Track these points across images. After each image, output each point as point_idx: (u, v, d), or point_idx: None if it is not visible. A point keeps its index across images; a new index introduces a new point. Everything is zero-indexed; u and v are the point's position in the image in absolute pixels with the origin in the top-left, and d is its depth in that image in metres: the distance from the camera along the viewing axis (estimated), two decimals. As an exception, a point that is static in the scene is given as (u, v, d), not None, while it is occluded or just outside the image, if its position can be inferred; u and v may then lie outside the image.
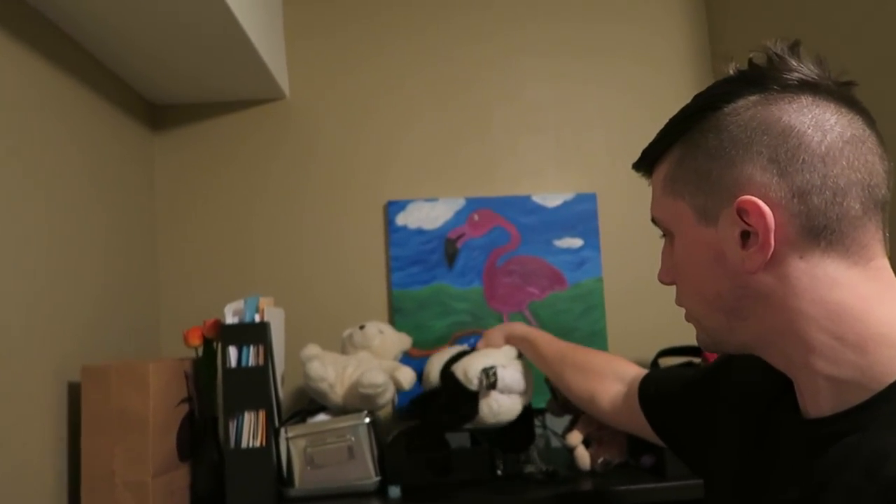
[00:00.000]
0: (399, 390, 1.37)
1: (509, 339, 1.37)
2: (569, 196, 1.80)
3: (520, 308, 1.78)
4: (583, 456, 1.36)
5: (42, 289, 1.18)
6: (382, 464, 1.33)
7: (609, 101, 1.85)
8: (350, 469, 1.31)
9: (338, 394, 1.36)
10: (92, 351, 1.32)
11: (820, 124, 0.60)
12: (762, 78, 0.63)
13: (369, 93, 1.82)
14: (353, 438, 1.31)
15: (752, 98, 0.63)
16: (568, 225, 1.79)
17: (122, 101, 1.57)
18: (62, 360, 1.22)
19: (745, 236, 0.61)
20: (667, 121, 0.71)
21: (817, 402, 0.62)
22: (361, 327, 1.46)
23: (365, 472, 1.31)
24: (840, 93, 0.62)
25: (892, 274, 0.61)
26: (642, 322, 1.76)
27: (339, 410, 1.37)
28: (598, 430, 1.38)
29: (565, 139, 1.84)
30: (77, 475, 1.18)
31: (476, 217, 1.78)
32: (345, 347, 1.48)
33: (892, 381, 0.56)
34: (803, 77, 0.62)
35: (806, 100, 0.61)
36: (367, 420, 1.32)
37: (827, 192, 0.59)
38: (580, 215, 1.80)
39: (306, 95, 1.81)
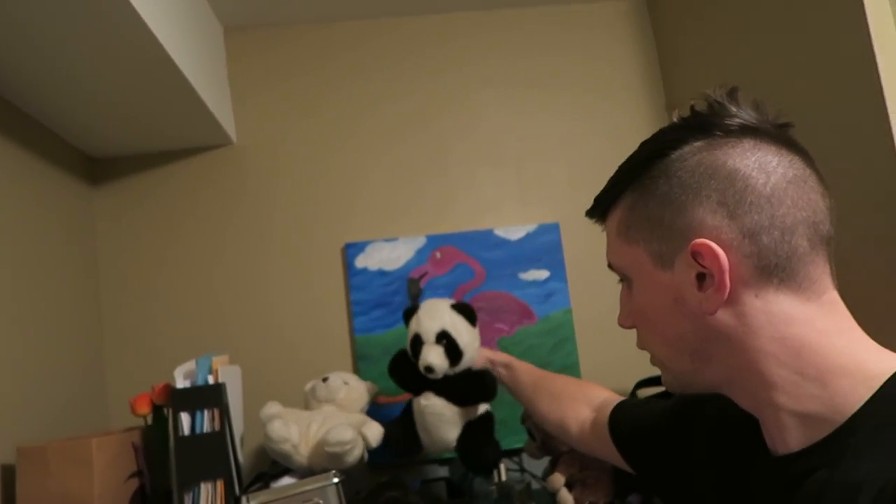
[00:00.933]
0: (367, 447, 1.29)
1: (492, 360, 1.36)
2: (531, 227, 1.76)
3: (489, 345, 1.71)
4: (566, 499, 1.29)
5: (-32, 365, 1.08)
6: (354, 527, 1.24)
7: (567, 130, 1.83)
8: (321, 536, 1.21)
9: (302, 454, 1.27)
10: (29, 429, 1.21)
11: (763, 166, 0.62)
12: (705, 124, 0.65)
13: (322, 135, 1.77)
14: (321, 501, 1.22)
15: (698, 144, 0.64)
16: (533, 257, 1.75)
17: (57, 156, 1.48)
18: (-6, 442, 1.11)
19: (701, 278, 0.63)
20: (617, 168, 0.72)
21: (784, 439, 0.63)
22: (325, 379, 1.38)
23: (336, 537, 1.21)
24: (779, 135, 0.64)
25: (844, 307, 0.63)
26: (616, 351, 1.71)
27: (305, 471, 1.28)
28: (581, 471, 1.32)
29: (525, 170, 1.81)
30: (15, 570, 1.07)
31: (438, 255, 1.72)
32: (308, 402, 1.40)
33: (854, 411, 0.57)
34: (743, 122, 0.64)
35: (748, 143, 0.63)
36: (336, 480, 1.23)
37: (775, 232, 0.61)
38: (544, 246, 1.75)
39: (255, 140, 1.74)
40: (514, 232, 1.75)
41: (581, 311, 1.74)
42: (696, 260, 0.62)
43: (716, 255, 0.60)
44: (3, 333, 1.18)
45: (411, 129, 1.79)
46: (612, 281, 1.86)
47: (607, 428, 1.00)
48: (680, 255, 0.64)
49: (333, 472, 1.24)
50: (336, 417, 1.31)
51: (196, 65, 1.39)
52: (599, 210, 0.74)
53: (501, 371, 1.33)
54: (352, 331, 1.69)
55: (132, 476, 1.18)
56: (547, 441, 1.36)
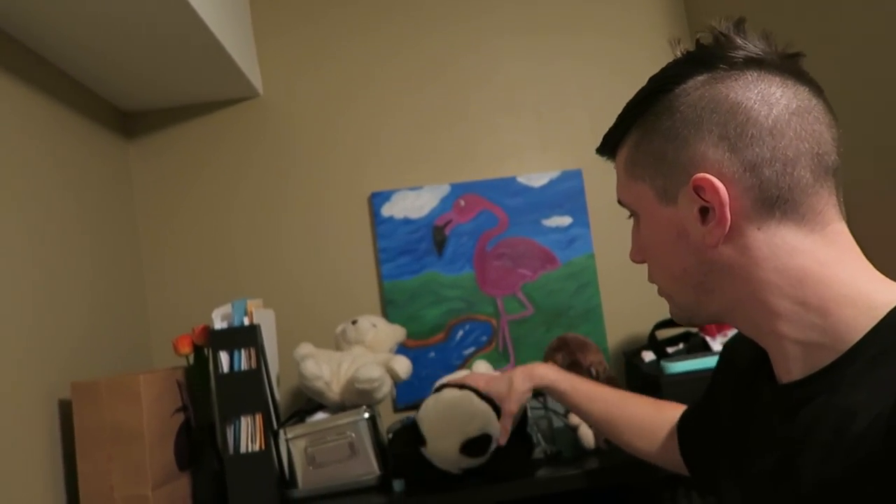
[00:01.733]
0: (396, 381, 1.36)
1: (537, 385, 1.14)
2: (554, 174, 1.78)
3: (513, 290, 1.76)
4: (586, 435, 1.35)
5: (26, 309, 1.15)
6: (385, 458, 1.32)
7: (588, 76, 1.83)
8: (352, 466, 1.30)
9: (334, 391, 1.34)
10: (81, 367, 1.29)
11: (766, 98, 0.62)
12: (709, 57, 0.65)
13: (345, 85, 1.79)
14: (353, 435, 1.30)
15: (700, 78, 0.64)
16: (555, 203, 1.78)
17: (93, 111, 1.54)
18: (51, 379, 1.19)
19: (704, 212, 0.63)
20: (625, 104, 0.72)
21: (788, 367, 0.64)
22: (354, 322, 1.45)
23: (368, 467, 1.30)
24: (786, 66, 0.64)
25: (850, 237, 0.63)
26: (637, 296, 1.75)
27: (338, 407, 1.35)
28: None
29: (547, 117, 1.82)
30: (75, 493, 1.16)
31: (462, 202, 1.76)
32: (338, 344, 1.46)
33: (856, 340, 0.58)
34: (748, 54, 0.64)
35: (751, 75, 0.63)
36: (367, 415, 1.31)
37: (777, 164, 0.61)
38: (567, 193, 1.78)
39: (280, 92, 1.78)
40: (536, 179, 1.77)
41: (603, 256, 1.77)
42: (698, 194, 0.63)
43: (717, 190, 0.61)
44: (55, 281, 1.26)
45: (432, 77, 1.81)
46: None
47: (677, 440, 0.95)
48: (683, 189, 0.64)
49: (364, 407, 1.32)
50: (365, 356, 1.37)
51: (222, 17, 1.41)
52: (608, 147, 0.76)
53: (554, 394, 1.14)
54: (380, 277, 1.74)
55: (177, 411, 1.26)
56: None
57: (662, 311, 1.65)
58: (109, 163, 1.61)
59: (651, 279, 0.75)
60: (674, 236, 0.67)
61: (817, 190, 0.62)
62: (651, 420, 1.01)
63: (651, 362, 1.41)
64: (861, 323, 0.58)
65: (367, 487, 1.30)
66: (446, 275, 1.74)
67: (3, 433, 1.06)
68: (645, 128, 0.68)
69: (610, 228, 1.78)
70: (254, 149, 1.76)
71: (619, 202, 0.75)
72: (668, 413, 0.99)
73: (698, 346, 1.38)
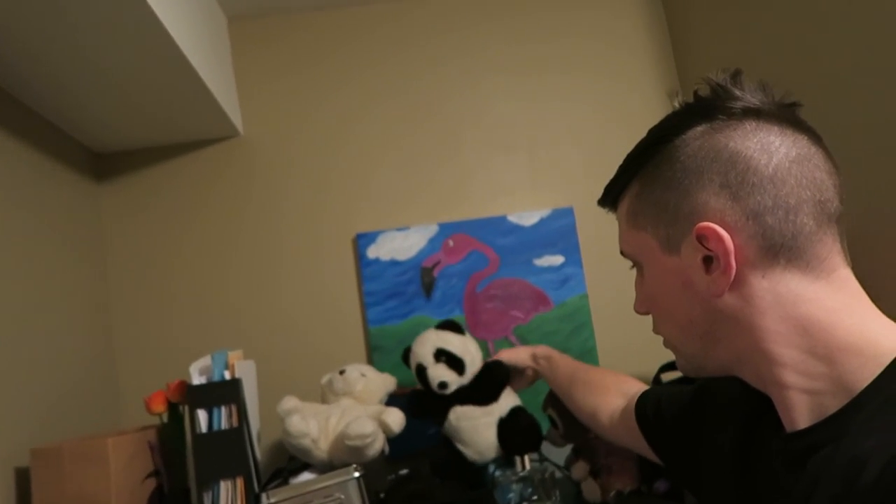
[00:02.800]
0: (388, 435, 1.27)
1: (534, 354, 1.35)
2: (545, 212, 1.72)
3: (505, 333, 1.68)
4: (592, 489, 1.27)
5: (-22, 367, 1.05)
6: (377, 520, 1.22)
7: (579, 115, 1.79)
8: (343, 530, 1.19)
9: (322, 449, 1.24)
10: (43, 431, 1.18)
11: (765, 147, 0.62)
12: (707, 108, 0.65)
13: (330, 125, 1.73)
14: (342, 496, 1.20)
15: (699, 129, 0.65)
16: (547, 242, 1.72)
17: (61, 152, 1.45)
18: (8, 445, 1.08)
19: (708, 261, 0.63)
20: (626, 156, 0.72)
21: (792, 417, 0.63)
22: (342, 372, 1.35)
23: (360, 531, 1.19)
24: (783, 115, 0.64)
25: (856, 282, 0.63)
26: (634, 336, 1.67)
27: (325, 466, 1.26)
28: (605, 457, 1.29)
29: (537, 155, 1.77)
30: (34, 574, 1.04)
31: (451, 243, 1.69)
32: (325, 395, 1.37)
33: (862, 387, 0.57)
34: (746, 104, 0.64)
35: (750, 125, 0.63)
36: (357, 474, 1.21)
37: (779, 212, 0.61)
38: (559, 231, 1.72)
39: (262, 131, 1.71)
40: (527, 217, 1.72)
41: (597, 296, 1.71)
42: (701, 243, 0.62)
43: (720, 238, 0.61)
44: (11, 334, 1.15)
45: (421, 117, 1.76)
46: (628, 265, 1.86)
47: (634, 415, 0.99)
48: (686, 239, 0.64)
49: (354, 466, 1.22)
50: (355, 410, 1.28)
51: (202, 55, 1.35)
52: (610, 198, 0.75)
53: (542, 363, 1.32)
54: (365, 322, 1.66)
55: (149, 476, 1.16)
56: (570, 429, 1.33)
57: (660, 353, 1.59)
58: (78, 207, 1.51)
59: (656, 330, 0.74)
60: (679, 286, 0.67)
61: (821, 237, 0.61)
62: (606, 385, 1.13)
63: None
64: (868, 370, 0.57)
65: (359, 554, 1.19)
66: (436, 318, 1.66)
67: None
68: (646, 178, 0.68)
69: (603, 267, 1.72)
70: (233, 191, 1.68)
71: (622, 253, 0.75)
72: (623, 385, 1.11)
73: (706, 390, 1.31)
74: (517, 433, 1.33)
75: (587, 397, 1.15)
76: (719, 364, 0.68)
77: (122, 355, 1.58)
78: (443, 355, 1.33)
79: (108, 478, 1.06)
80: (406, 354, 1.40)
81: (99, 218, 1.62)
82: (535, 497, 1.31)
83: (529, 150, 1.77)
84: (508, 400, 1.35)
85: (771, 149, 0.62)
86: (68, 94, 1.28)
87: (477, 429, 1.32)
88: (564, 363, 1.27)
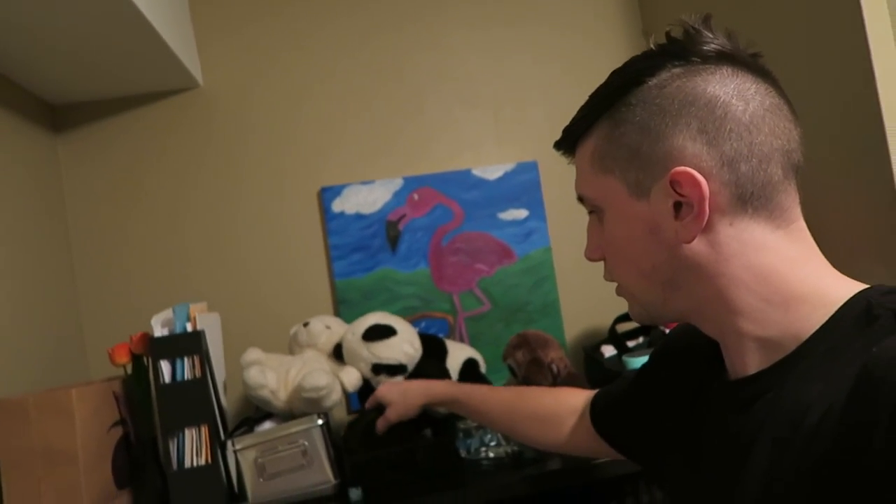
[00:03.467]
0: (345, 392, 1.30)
1: (430, 401, 1.19)
2: (509, 166, 1.74)
3: (469, 286, 1.72)
4: (548, 433, 1.31)
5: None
6: (341, 465, 1.26)
7: (544, 70, 1.79)
8: (306, 475, 1.23)
9: (281, 399, 1.27)
10: (7, 383, 1.19)
11: (742, 93, 0.62)
12: (682, 50, 0.64)
13: (293, 77, 1.71)
14: (306, 443, 1.23)
15: (676, 70, 0.63)
16: (511, 196, 1.74)
17: (13, 102, 1.42)
18: (-29, 397, 1.10)
19: (678, 207, 0.62)
20: (588, 97, 0.70)
21: (744, 364, 0.64)
22: (306, 324, 1.38)
23: (322, 476, 1.23)
24: (754, 63, 0.64)
25: (810, 236, 0.64)
26: (595, 290, 1.72)
27: (287, 415, 1.29)
28: (560, 404, 1.34)
29: (502, 109, 1.77)
30: (2, 520, 1.07)
31: (416, 196, 1.71)
32: (291, 347, 1.40)
33: (808, 335, 0.59)
34: (720, 48, 0.63)
35: (726, 70, 0.63)
36: (320, 422, 1.24)
37: (753, 160, 0.61)
38: (523, 185, 1.74)
39: (223, 83, 1.69)
40: (491, 171, 1.73)
41: (560, 249, 1.75)
42: (674, 188, 0.61)
43: (697, 183, 0.60)
44: (-28, 287, 1.15)
45: (386, 70, 1.74)
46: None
47: (590, 418, 0.96)
48: (658, 183, 0.63)
49: (317, 414, 1.26)
50: (315, 362, 1.31)
51: (156, 4, 1.32)
52: (570, 141, 0.73)
53: (449, 406, 1.18)
54: (331, 275, 1.68)
55: (115, 425, 1.18)
56: (529, 377, 1.38)
57: (621, 305, 1.64)
58: (36, 160, 1.49)
59: (610, 277, 0.72)
60: (644, 232, 0.65)
61: (785, 187, 0.62)
62: (553, 410, 1.02)
63: (612, 357, 1.39)
64: (815, 319, 0.59)
65: (323, 497, 1.23)
66: (401, 271, 1.69)
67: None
68: (616, 119, 0.65)
69: (566, 221, 1.75)
70: (195, 142, 1.67)
71: (580, 198, 0.73)
72: (569, 400, 1.02)
73: (659, 339, 1.36)
74: None
75: (545, 433, 1.04)
76: (677, 312, 0.68)
77: (87, 308, 1.59)
78: (381, 370, 1.30)
79: (74, 428, 1.07)
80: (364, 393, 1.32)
81: (58, 169, 1.60)
82: (493, 443, 1.36)
83: (494, 105, 1.77)
84: (460, 354, 1.35)
85: (747, 96, 0.62)
86: (20, 47, 1.25)
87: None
88: (484, 400, 1.11)
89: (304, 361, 1.30)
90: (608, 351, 1.42)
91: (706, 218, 0.61)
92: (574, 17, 1.81)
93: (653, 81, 0.64)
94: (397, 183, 1.70)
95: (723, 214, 0.61)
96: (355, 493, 1.21)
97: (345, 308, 1.66)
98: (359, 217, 1.69)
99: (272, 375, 1.25)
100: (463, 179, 1.72)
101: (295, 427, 1.24)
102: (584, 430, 0.97)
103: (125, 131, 1.64)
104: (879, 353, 0.52)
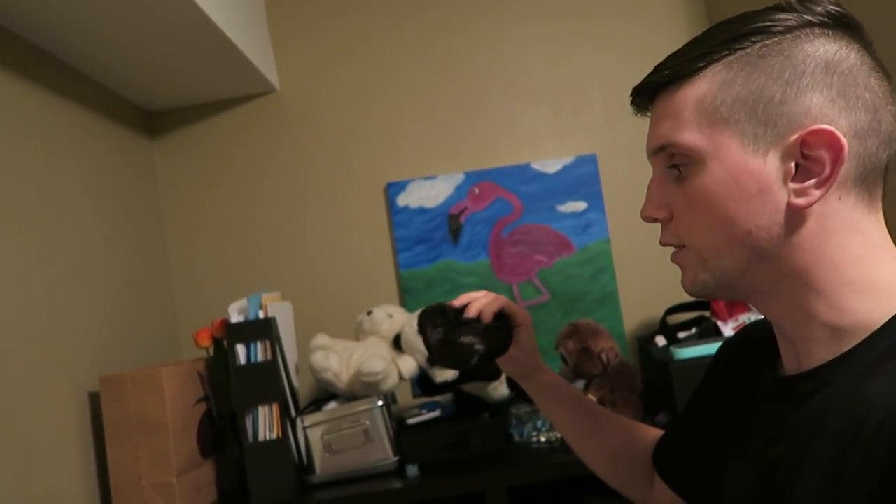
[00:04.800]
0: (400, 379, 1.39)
1: (534, 364, 0.96)
2: (568, 160, 1.78)
3: (529, 277, 1.77)
4: (597, 420, 1.36)
5: (56, 306, 1.22)
6: (400, 444, 1.36)
7: (603, 61, 1.81)
8: (368, 452, 1.34)
9: (343, 381, 1.38)
10: (110, 361, 1.36)
11: (875, 71, 0.60)
12: (823, 14, 0.61)
13: (361, 78, 1.82)
14: (368, 422, 1.34)
15: (816, 30, 0.60)
16: (570, 189, 1.78)
17: (115, 111, 1.60)
18: (81, 373, 1.26)
19: (796, 169, 0.59)
20: (704, 34, 0.64)
21: (808, 353, 0.61)
22: (369, 313, 1.48)
23: (382, 453, 1.34)
24: (873, 49, 0.62)
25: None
26: (653, 281, 1.74)
27: (350, 397, 1.40)
28: (611, 392, 1.39)
29: (561, 103, 1.81)
30: (106, 481, 1.24)
31: (476, 190, 1.77)
32: (357, 334, 1.50)
33: (876, 328, 0.57)
34: (855, 22, 0.61)
35: (858, 46, 0.61)
36: (381, 403, 1.35)
37: (879, 138, 0.59)
38: (582, 178, 1.78)
39: (297, 86, 1.81)
40: (551, 165, 1.78)
41: (619, 241, 1.77)
42: (802, 149, 0.58)
43: (837, 145, 0.57)
44: (84, 279, 1.32)
45: (449, 69, 1.82)
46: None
47: (651, 462, 0.89)
48: (782, 140, 0.59)
49: (378, 395, 1.36)
50: (376, 347, 1.41)
51: (233, 16, 1.45)
52: (672, 79, 0.64)
53: (543, 388, 0.97)
54: (397, 266, 1.78)
55: (200, 401, 1.32)
56: (579, 366, 1.43)
57: (677, 295, 1.66)
58: (135, 161, 1.67)
59: (676, 240, 0.65)
60: (752, 191, 0.59)
61: (882, 173, 0.61)
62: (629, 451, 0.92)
63: (662, 348, 1.41)
64: (886, 310, 0.58)
65: (383, 473, 1.34)
66: (462, 262, 1.77)
67: (38, 425, 1.13)
68: (743, 66, 0.60)
69: (625, 213, 1.78)
70: (272, 143, 1.80)
71: (661, 148, 0.64)
72: (642, 444, 0.92)
73: (710, 331, 1.38)
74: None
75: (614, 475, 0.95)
76: (750, 285, 0.63)
77: (180, 294, 1.76)
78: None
79: (164, 402, 1.22)
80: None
81: (153, 169, 1.78)
82: (544, 428, 1.42)
83: (553, 98, 1.81)
84: None
85: (880, 74, 0.60)
86: (112, 58, 1.40)
87: (488, 391, 1.42)
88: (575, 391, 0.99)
89: (366, 347, 1.41)
90: (660, 342, 1.44)
91: (832, 185, 0.58)
92: (635, 7, 1.81)
93: (791, 35, 0.60)
94: (459, 178, 1.77)
95: (838, 186, 0.58)
96: (412, 470, 1.31)
97: (409, 297, 1.75)
98: (422, 211, 1.77)
99: (335, 359, 1.36)
100: (522, 173, 1.78)
101: (358, 407, 1.35)
102: (647, 483, 0.89)
103: (210, 133, 1.80)
104: None
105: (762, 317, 0.71)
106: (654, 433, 0.93)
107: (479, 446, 1.36)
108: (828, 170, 0.57)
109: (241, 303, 1.35)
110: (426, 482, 1.27)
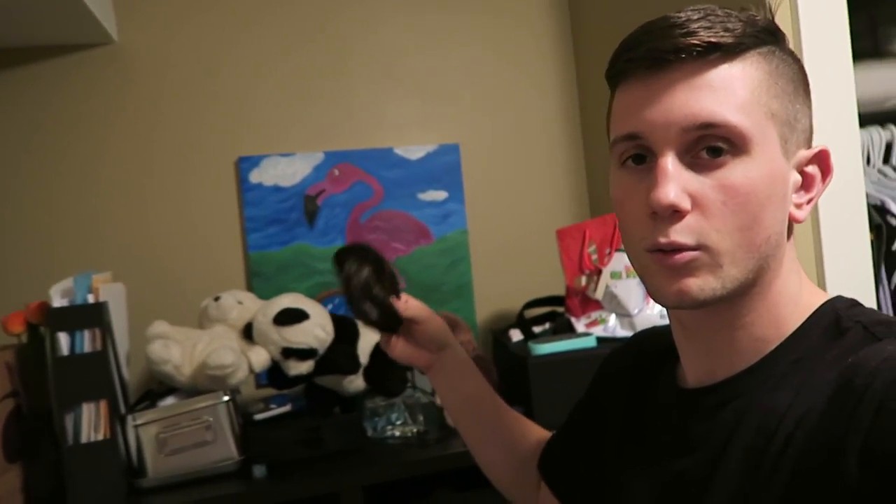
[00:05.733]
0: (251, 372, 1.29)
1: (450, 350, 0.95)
2: (431, 147, 1.75)
3: (386, 265, 1.73)
4: (453, 414, 1.35)
5: None
6: (246, 442, 1.26)
7: (471, 54, 1.79)
8: (210, 451, 1.23)
9: (185, 374, 1.25)
10: None
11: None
12: (780, 34, 0.61)
13: (215, 39, 1.65)
14: (211, 419, 1.23)
15: (784, 47, 0.60)
16: (432, 177, 1.75)
17: None
18: None
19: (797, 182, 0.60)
20: (728, 13, 0.57)
21: (721, 364, 0.61)
22: (216, 299, 1.36)
23: (226, 452, 1.23)
24: None
25: None
26: (507, 274, 1.78)
27: (191, 391, 1.27)
28: (467, 387, 1.38)
29: (427, 89, 1.77)
30: None
31: (336, 172, 1.69)
32: (201, 321, 1.37)
33: (780, 341, 0.59)
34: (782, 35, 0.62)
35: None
36: (226, 398, 1.24)
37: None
38: (444, 167, 1.76)
39: (139, 41, 1.61)
40: (414, 151, 1.74)
41: (476, 232, 1.78)
42: (809, 163, 0.60)
43: (828, 167, 0.60)
44: None
45: (310, 39, 1.70)
46: (509, 204, 1.90)
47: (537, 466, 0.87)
48: (796, 150, 0.59)
49: (223, 390, 1.25)
50: (223, 338, 1.29)
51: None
52: (729, 47, 0.55)
53: (454, 381, 0.94)
54: (245, 247, 1.65)
55: (6, 396, 1.14)
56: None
57: (531, 289, 1.70)
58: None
59: (697, 238, 0.55)
60: (780, 196, 0.57)
61: None
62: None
63: (518, 342, 1.43)
64: (791, 323, 0.59)
65: (225, 473, 1.23)
66: (318, 247, 1.68)
67: None
68: (776, 64, 0.58)
69: (484, 205, 1.78)
70: (109, 104, 1.59)
71: (711, 124, 0.54)
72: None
73: (563, 327, 1.41)
74: (381, 382, 1.36)
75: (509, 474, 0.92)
76: (731, 293, 0.57)
77: (-19, 271, 1.51)
78: (291, 354, 1.27)
79: (-40, 399, 1.03)
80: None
81: (-49, 121, 1.50)
82: (399, 422, 1.39)
83: (419, 84, 1.77)
84: (372, 338, 1.34)
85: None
86: None
87: (344, 384, 1.36)
88: (500, 410, 0.95)
89: (213, 337, 1.28)
90: (515, 335, 1.47)
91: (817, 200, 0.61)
92: (504, 3, 1.81)
93: (787, 46, 0.60)
94: (318, 157, 1.68)
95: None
96: (259, 470, 1.22)
97: (258, 282, 1.64)
98: (277, 189, 1.66)
99: (177, 350, 1.23)
100: (385, 157, 1.72)
101: (200, 403, 1.23)
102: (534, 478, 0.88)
103: (30, 84, 1.55)
104: (857, 361, 0.52)
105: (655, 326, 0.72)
106: (540, 434, 0.92)
107: (332, 443, 1.30)
108: (816, 189, 0.60)
109: (66, 283, 1.17)
110: (275, 484, 1.19)
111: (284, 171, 1.66)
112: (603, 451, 0.74)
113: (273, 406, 1.34)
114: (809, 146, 0.60)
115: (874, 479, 0.47)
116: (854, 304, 0.60)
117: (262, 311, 1.29)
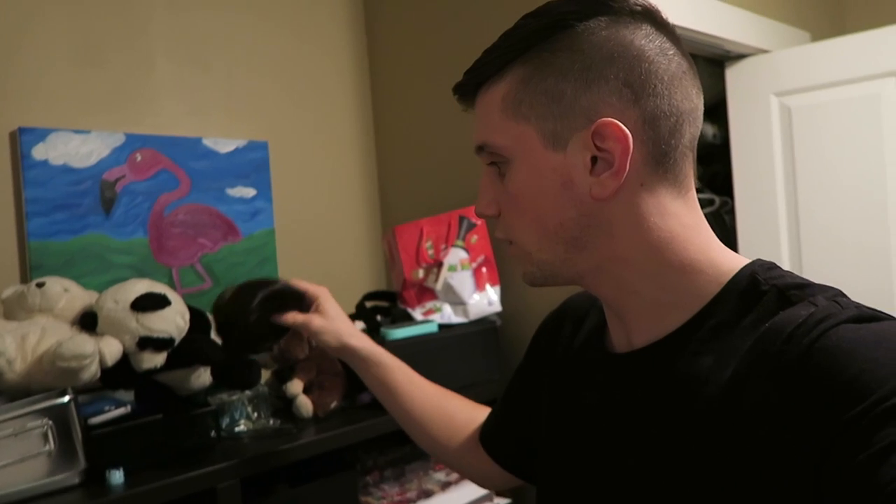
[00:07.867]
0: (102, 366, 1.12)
1: (354, 344, 1.03)
2: (241, 142, 1.69)
3: (191, 261, 1.61)
4: (305, 404, 1.35)
5: None
6: (90, 449, 1.08)
7: (279, 46, 1.77)
8: (47, 463, 1.03)
9: (17, 371, 1.03)
10: None
11: (664, 52, 0.61)
12: (606, 2, 0.62)
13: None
14: (50, 422, 1.03)
15: (602, 20, 0.61)
16: (241, 173, 1.69)
17: None
18: None
19: (594, 162, 0.60)
20: (499, 37, 0.64)
21: (640, 330, 0.64)
22: (39, 285, 1.13)
23: (71, 462, 1.04)
24: (671, 27, 0.64)
25: (699, 206, 0.66)
26: (314, 275, 1.79)
27: (19, 391, 1.05)
28: (318, 375, 1.40)
29: (236, 81, 1.71)
30: None
31: (139, 157, 1.53)
32: (12, 311, 1.13)
33: (702, 306, 0.61)
34: (645, 6, 0.63)
35: (648, 28, 0.62)
36: (68, 398, 1.05)
37: (671, 119, 0.60)
38: (253, 164, 1.71)
39: None
40: (223, 144, 1.66)
41: (283, 231, 1.77)
42: (594, 141, 0.59)
43: (622, 137, 0.58)
44: None
45: (116, 7, 1.52)
46: (317, 204, 1.95)
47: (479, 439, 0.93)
48: (577, 135, 0.60)
49: (66, 389, 1.06)
50: (60, 329, 1.10)
51: None
52: (475, 83, 0.66)
53: (369, 367, 1.02)
54: (23, 234, 1.38)
55: None
56: (287, 349, 1.39)
57: (338, 287, 1.76)
58: None
59: (504, 234, 0.67)
60: (556, 186, 0.61)
61: (688, 153, 0.63)
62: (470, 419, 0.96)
63: (366, 331, 1.48)
64: (709, 290, 0.61)
65: (68, 487, 1.04)
66: (115, 239, 1.49)
67: None
68: (537, 63, 0.61)
69: (292, 204, 1.79)
70: None
71: (480, 147, 0.66)
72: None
73: (402, 317, 1.51)
74: (233, 380, 1.27)
75: (453, 440, 0.96)
76: (575, 272, 0.65)
77: None
78: (148, 344, 1.13)
79: None
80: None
81: None
82: (243, 417, 1.33)
83: (228, 74, 1.70)
84: None
85: (668, 55, 0.61)
86: None
87: (191, 380, 1.25)
88: (413, 383, 1.00)
89: (44, 328, 1.08)
90: (358, 325, 1.51)
91: (625, 175, 0.59)
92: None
93: (581, 27, 0.60)
94: (118, 138, 1.50)
95: (638, 174, 0.60)
96: (116, 476, 1.06)
97: (39, 274, 1.37)
98: (67, 170, 1.43)
99: (10, 340, 1.01)
100: (193, 147, 1.62)
101: (36, 405, 1.02)
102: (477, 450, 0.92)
103: None
104: (773, 327, 0.55)
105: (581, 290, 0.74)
106: (475, 409, 0.98)
107: (180, 444, 1.18)
108: (618, 161, 0.59)
109: None
110: (136, 492, 1.05)
111: (78, 150, 1.45)
112: (540, 415, 0.78)
113: (109, 407, 1.16)
114: (600, 118, 0.59)
115: (791, 444, 0.50)
116: (772, 266, 0.62)
117: (113, 296, 1.13)
